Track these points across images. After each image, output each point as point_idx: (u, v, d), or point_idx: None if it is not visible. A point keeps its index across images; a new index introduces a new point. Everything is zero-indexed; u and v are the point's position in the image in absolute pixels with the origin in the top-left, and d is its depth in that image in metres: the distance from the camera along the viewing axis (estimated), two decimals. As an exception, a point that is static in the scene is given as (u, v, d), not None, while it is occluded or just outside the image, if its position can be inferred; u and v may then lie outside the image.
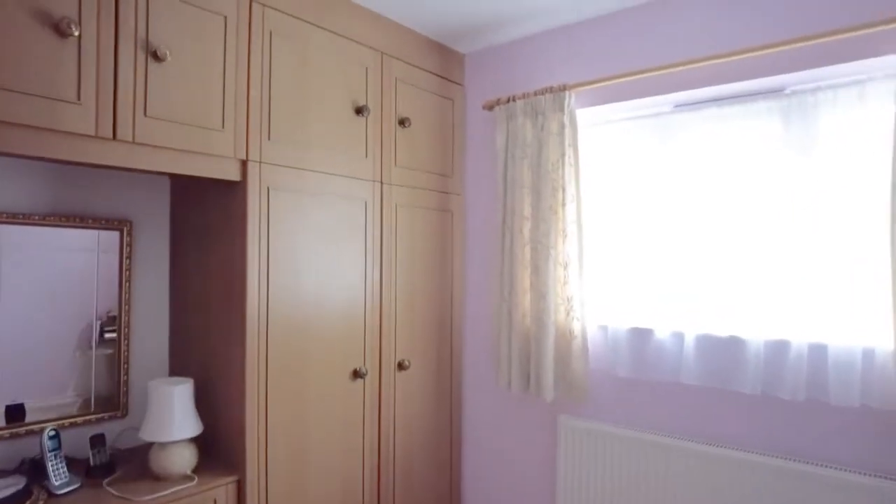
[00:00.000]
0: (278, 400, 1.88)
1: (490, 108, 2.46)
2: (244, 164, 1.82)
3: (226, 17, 1.76)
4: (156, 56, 1.58)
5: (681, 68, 2.00)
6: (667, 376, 2.08)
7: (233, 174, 1.80)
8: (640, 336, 2.16)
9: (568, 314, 2.24)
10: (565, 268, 2.24)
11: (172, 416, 1.71)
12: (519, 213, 2.33)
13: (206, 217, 1.97)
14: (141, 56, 1.56)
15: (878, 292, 1.72)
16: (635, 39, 2.17)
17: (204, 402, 1.91)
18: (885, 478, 1.70)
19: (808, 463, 1.82)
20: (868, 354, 1.74)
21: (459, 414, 2.66)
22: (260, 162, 1.84)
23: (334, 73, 2.07)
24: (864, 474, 1.73)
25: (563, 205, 2.23)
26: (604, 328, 2.27)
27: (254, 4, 1.83)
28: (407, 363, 2.35)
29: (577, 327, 2.22)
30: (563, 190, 2.23)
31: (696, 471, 1.99)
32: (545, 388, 2.24)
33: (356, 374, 2.14)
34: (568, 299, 2.23)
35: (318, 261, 2.01)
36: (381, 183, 2.25)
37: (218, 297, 1.91)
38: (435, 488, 2.52)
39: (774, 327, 1.89)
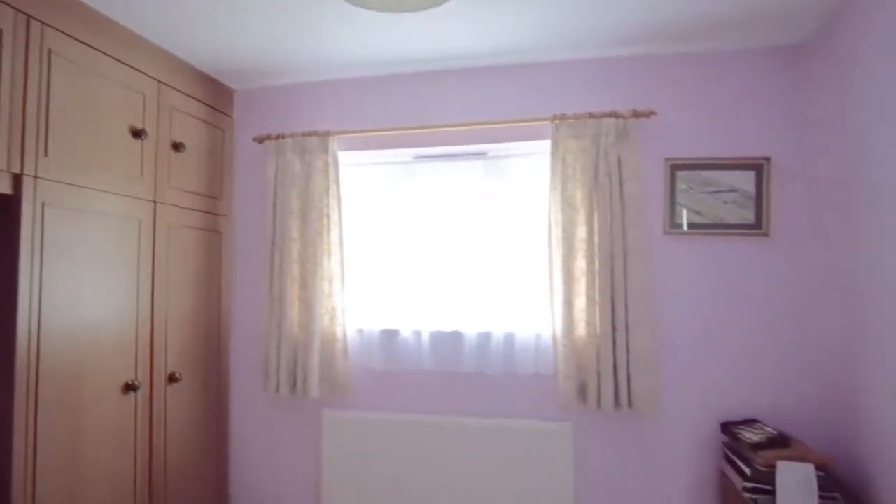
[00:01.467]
0: (50, 421, 1.86)
1: (261, 141, 2.77)
2: (17, 177, 1.81)
3: (1, 31, 1.76)
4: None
5: (418, 131, 2.64)
6: (410, 366, 2.66)
7: (4, 187, 1.78)
8: (389, 336, 2.70)
9: (332, 321, 2.66)
10: (330, 282, 2.66)
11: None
12: (288, 236, 2.68)
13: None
14: None
15: (544, 298, 2.56)
16: (387, 100, 2.75)
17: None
18: (549, 419, 2.53)
19: (509, 418, 2.57)
20: (539, 339, 2.57)
21: (227, 421, 2.83)
22: (35, 177, 1.85)
23: (115, 97, 2.16)
24: (539, 419, 2.54)
25: (328, 229, 2.66)
26: (360, 331, 2.75)
27: (32, 22, 1.85)
28: (178, 375, 2.46)
29: (339, 331, 2.65)
30: (328, 217, 2.67)
31: (436, 437, 2.59)
32: (311, 386, 2.61)
33: (129, 388, 2.20)
34: (332, 309, 2.65)
35: (92, 278, 2.05)
36: (156, 203, 2.36)
37: (-25, 314, 1.82)
38: (204, 490, 2.64)
39: (482, 323, 2.62)
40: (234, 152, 2.93)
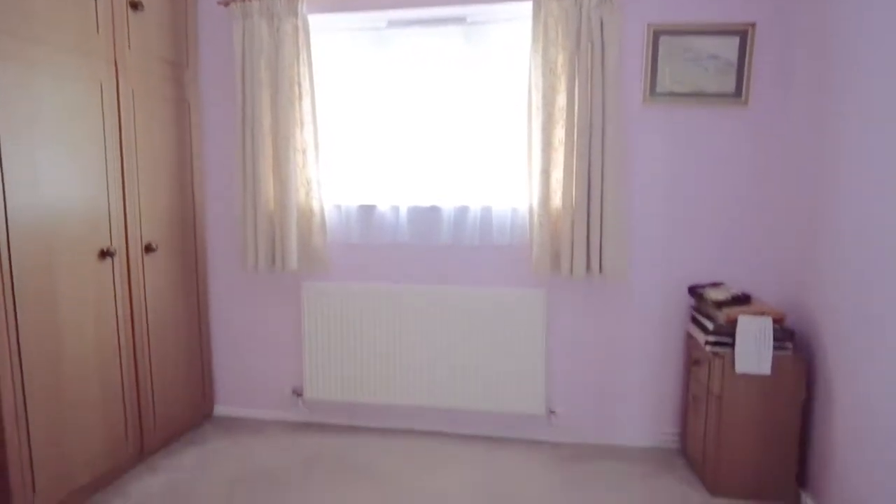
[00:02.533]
0: (28, 288, 1.86)
1: (226, 4, 2.59)
2: (-40, 22, 1.68)
3: None
4: None
5: (394, -10, 2.50)
6: (387, 239, 2.68)
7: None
8: (367, 211, 2.70)
9: (307, 195, 2.64)
10: (303, 154, 2.61)
11: None
12: (258, 106, 2.58)
13: None
14: None
15: (522, 169, 2.56)
16: (357, -41, 2.57)
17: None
18: (523, 287, 2.61)
19: (485, 286, 2.64)
20: (515, 213, 2.60)
21: (206, 294, 2.86)
22: (-21, 23, 1.72)
23: (58, -61, 1.97)
24: (514, 287, 2.62)
25: (300, 98, 2.57)
26: (338, 206, 2.74)
27: None
28: (154, 245, 2.45)
29: (315, 206, 2.64)
30: (299, 85, 2.56)
31: (413, 304, 2.67)
32: (289, 260, 2.62)
33: (105, 254, 2.19)
34: (307, 182, 2.62)
35: (56, 145, 1.97)
36: (116, 65, 2.24)
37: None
38: (188, 359, 2.73)
39: (460, 198, 2.62)
40: (197, 17, 2.75)
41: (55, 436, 1.99)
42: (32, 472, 1.90)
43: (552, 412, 2.67)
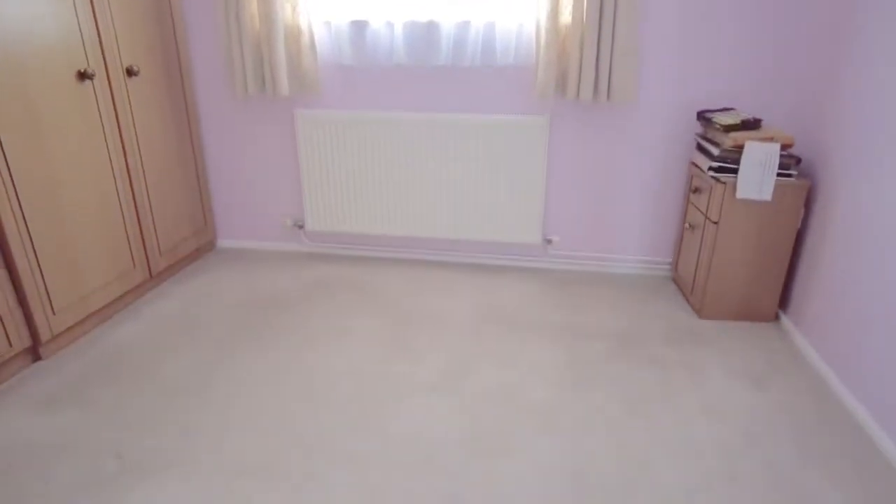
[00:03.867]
0: (4, 114, 1.76)
1: None
2: None
3: None
4: None
5: None
6: (382, 60, 2.51)
7: None
8: (359, 28, 2.49)
9: (294, 11, 2.42)
10: (287, -38, 2.34)
11: None
12: None
13: None
14: None
15: (528, -23, 2.31)
16: None
17: None
18: (526, 113, 2.51)
19: (485, 113, 2.54)
20: (521, 28, 2.39)
21: (197, 124, 2.76)
22: None
23: None
24: (516, 113, 2.51)
25: None
26: (328, 23, 2.52)
27: None
28: (136, 69, 2.30)
29: (303, 23, 2.43)
30: None
31: (410, 132, 2.59)
32: (280, 84, 2.48)
33: (83, 76, 2.06)
34: (293, -5, 2.39)
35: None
36: None
37: None
38: (185, 190, 2.72)
39: (461, 12, 2.40)
40: None
41: (63, 262, 2.04)
42: (49, 295, 1.98)
43: (549, 241, 2.72)
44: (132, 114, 2.32)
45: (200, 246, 2.89)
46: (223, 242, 3.02)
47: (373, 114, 2.59)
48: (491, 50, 2.44)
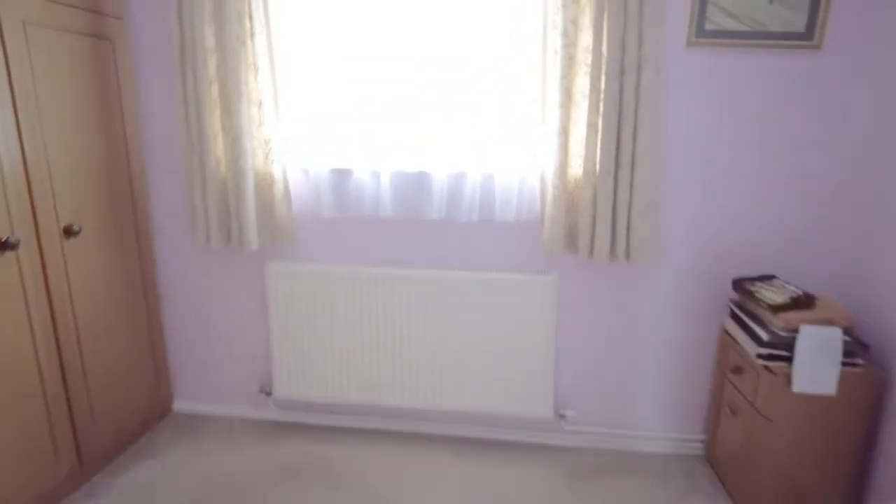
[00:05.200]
0: None
1: None
2: None
3: None
4: None
5: None
6: (367, 212, 2.19)
7: None
8: (341, 176, 2.20)
9: (267, 157, 2.13)
10: (259, 107, 2.08)
11: None
12: (200, 45, 2.02)
13: None
14: None
15: (533, 128, 2.05)
16: None
17: None
18: (530, 272, 2.18)
19: (483, 270, 2.20)
20: (523, 182, 2.11)
21: (153, 276, 2.41)
22: None
23: None
24: (519, 272, 2.18)
25: (252, 35, 2.01)
26: (305, 171, 2.24)
27: None
28: (76, 228, 1.97)
29: (277, 171, 2.14)
30: (251, 18, 2.00)
31: (400, 290, 2.24)
32: (249, 237, 2.16)
33: (3, 246, 1.71)
34: (266, 142, 2.11)
35: None
36: (-5, -9, 1.66)
37: None
38: (133, 357, 2.32)
39: (455, 163, 2.12)
40: (114, -77, 2.12)
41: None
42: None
43: (562, 415, 2.32)
44: (68, 280, 1.97)
45: (152, 410, 2.45)
46: (180, 405, 2.58)
47: (356, 268, 2.26)
48: (490, 204, 2.15)
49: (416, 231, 2.23)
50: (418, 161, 2.14)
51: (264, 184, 2.17)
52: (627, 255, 2.02)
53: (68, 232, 1.95)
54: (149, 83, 2.25)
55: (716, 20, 1.95)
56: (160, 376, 2.48)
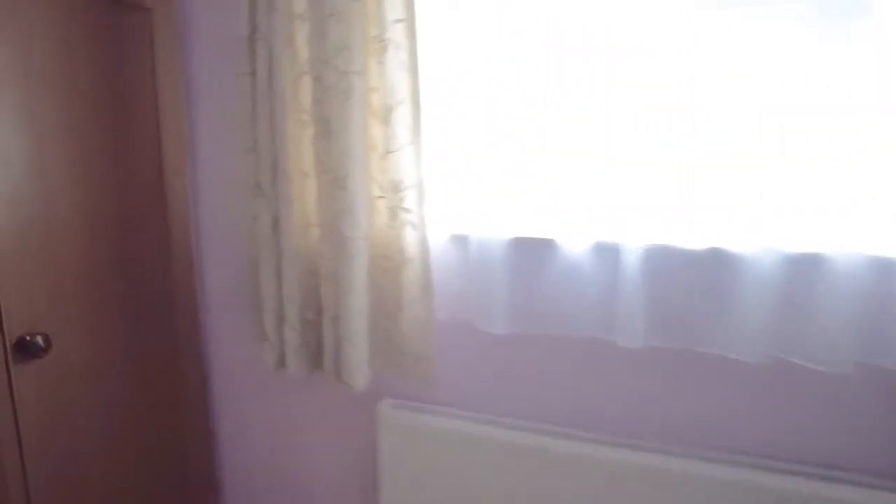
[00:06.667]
0: None
1: None
2: None
3: None
4: None
5: None
6: (585, 330, 1.09)
7: None
8: (533, 252, 1.13)
9: (395, 216, 1.11)
10: (386, 122, 1.08)
11: None
12: (285, 8, 1.09)
13: None
14: None
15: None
16: None
17: None
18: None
19: (811, 476, 1.01)
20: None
21: (208, 401, 1.44)
22: None
23: None
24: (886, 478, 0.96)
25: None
26: (462, 239, 1.18)
27: None
28: (41, 341, 1.04)
29: (412, 240, 1.11)
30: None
31: (606, 484, 1.09)
32: (352, 365, 1.13)
33: None
34: (394, 187, 1.10)
35: None
36: None
37: None
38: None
39: (777, 231, 0.98)
40: None
41: None
42: None
43: None
44: (17, 423, 1.02)
45: None
46: None
47: (531, 438, 1.14)
48: (884, 330, 0.97)
49: (679, 371, 1.09)
50: (702, 229, 1.02)
51: (386, 263, 1.14)
52: None
53: (25, 349, 1.02)
54: (205, 79, 1.35)
55: None
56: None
